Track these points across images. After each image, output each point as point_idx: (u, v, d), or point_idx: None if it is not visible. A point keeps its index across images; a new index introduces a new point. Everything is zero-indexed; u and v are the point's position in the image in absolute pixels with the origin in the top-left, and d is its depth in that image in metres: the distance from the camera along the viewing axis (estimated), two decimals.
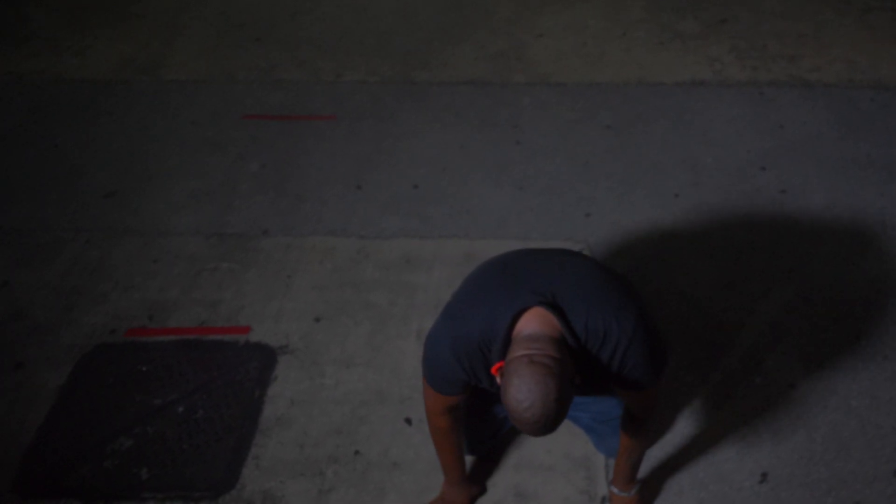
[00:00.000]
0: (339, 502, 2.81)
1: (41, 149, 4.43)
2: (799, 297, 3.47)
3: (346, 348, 3.31)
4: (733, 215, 3.90)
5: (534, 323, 2.04)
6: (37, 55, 5.22)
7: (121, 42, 5.34)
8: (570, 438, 2.93)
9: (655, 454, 2.90)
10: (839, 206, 3.93)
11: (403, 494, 2.82)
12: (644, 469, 2.85)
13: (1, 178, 4.23)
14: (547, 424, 1.92)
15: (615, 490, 2.65)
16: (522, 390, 1.90)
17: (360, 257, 3.72)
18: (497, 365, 2.04)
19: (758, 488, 2.80)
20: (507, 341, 2.06)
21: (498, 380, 2.02)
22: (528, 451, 2.92)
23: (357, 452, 2.95)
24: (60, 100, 4.81)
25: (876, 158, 4.22)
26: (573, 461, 2.89)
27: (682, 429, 2.99)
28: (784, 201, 3.97)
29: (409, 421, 3.05)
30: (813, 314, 3.39)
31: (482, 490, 2.83)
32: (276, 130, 4.53)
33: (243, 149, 4.40)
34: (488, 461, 2.90)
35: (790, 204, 3.96)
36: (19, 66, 5.12)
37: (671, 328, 3.31)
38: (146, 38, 5.37)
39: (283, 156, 4.34)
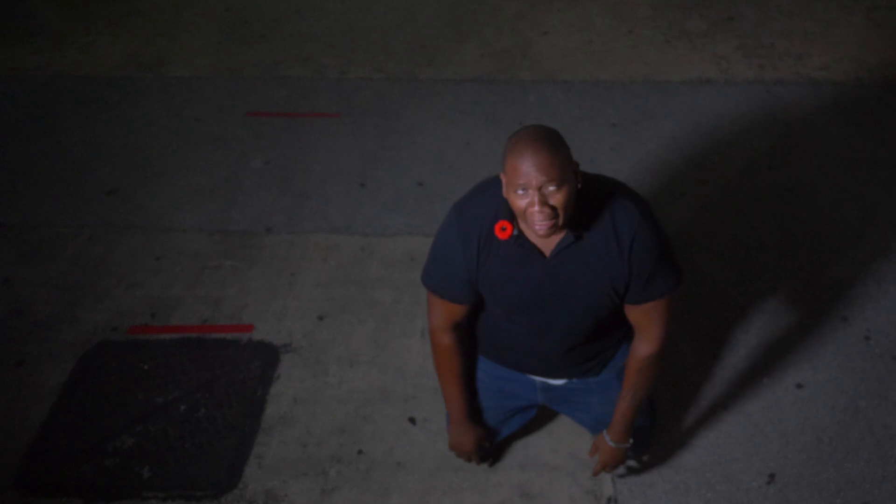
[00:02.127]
0: (342, 502, 2.79)
1: (44, 144, 4.41)
2: (807, 296, 3.44)
3: (349, 346, 3.29)
4: (740, 213, 3.87)
5: None
6: (41, 51, 5.20)
7: (125, 38, 5.32)
8: (575, 438, 2.91)
9: (661, 454, 2.88)
10: (846, 205, 3.90)
11: (407, 494, 2.80)
12: (650, 467, 2.83)
13: (4, 173, 4.21)
14: (542, 138, 1.94)
15: (609, 439, 2.45)
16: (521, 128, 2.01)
17: (365, 255, 3.70)
18: (502, 222, 2.05)
19: (765, 489, 2.78)
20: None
21: (501, 231, 2.04)
22: (534, 451, 2.90)
23: (360, 452, 2.93)
24: (64, 96, 4.79)
25: (883, 157, 4.19)
26: (579, 461, 2.87)
27: (688, 428, 2.97)
28: (791, 200, 3.94)
29: (413, 420, 3.02)
30: (821, 313, 3.37)
31: (491, 438, 2.72)
32: (281, 127, 4.50)
33: (247, 146, 4.38)
34: (494, 460, 2.89)
35: (797, 202, 3.93)
36: (23, 61, 5.10)
37: (679, 327, 3.28)
38: (150, 35, 5.35)
39: (287, 153, 4.32)
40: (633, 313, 2.23)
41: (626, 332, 2.42)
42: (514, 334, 2.33)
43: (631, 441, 2.47)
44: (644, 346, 2.28)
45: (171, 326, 3.38)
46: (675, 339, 3.21)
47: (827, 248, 3.67)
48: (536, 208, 1.94)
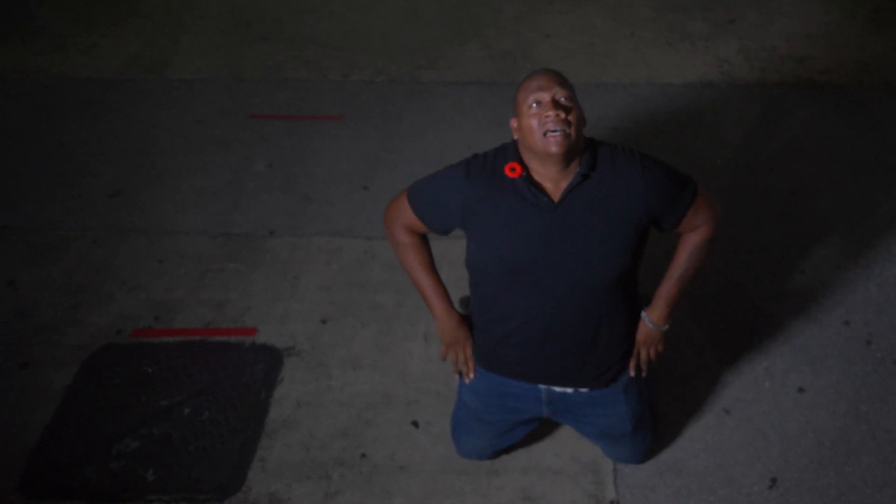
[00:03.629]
0: None
1: (47, 147, 4.42)
2: (808, 300, 3.45)
3: (352, 350, 3.30)
4: (742, 217, 3.87)
5: None
6: (43, 53, 5.20)
7: (127, 40, 5.33)
8: (577, 442, 2.91)
9: (664, 458, 2.89)
10: (848, 209, 3.90)
11: (410, 498, 2.81)
12: (653, 472, 2.84)
13: (7, 176, 4.22)
14: (552, 69, 2.16)
15: (647, 320, 2.43)
16: None
17: (367, 258, 3.71)
18: (512, 163, 2.14)
19: (767, 493, 2.78)
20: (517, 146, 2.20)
21: (511, 171, 2.14)
22: (536, 455, 2.91)
23: (363, 455, 2.94)
24: (67, 98, 4.79)
25: (885, 160, 4.19)
26: (581, 465, 2.88)
27: (690, 432, 2.98)
28: (793, 203, 3.95)
29: (415, 424, 3.03)
30: (822, 317, 3.37)
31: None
32: (283, 130, 4.51)
33: (249, 148, 4.39)
34: (497, 463, 2.89)
35: (799, 205, 3.93)
36: (26, 63, 5.11)
37: (680, 331, 3.28)
38: (152, 36, 5.36)
39: (290, 155, 4.33)
40: (682, 227, 2.30)
41: (630, 346, 2.43)
42: (521, 318, 2.30)
43: (666, 327, 2.44)
44: (697, 235, 2.33)
45: (175, 329, 3.39)
46: (675, 343, 3.22)
47: (828, 251, 3.68)
48: (551, 112, 2.04)
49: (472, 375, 2.52)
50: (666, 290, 2.40)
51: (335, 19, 5.53)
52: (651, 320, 2.42)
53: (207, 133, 4.51)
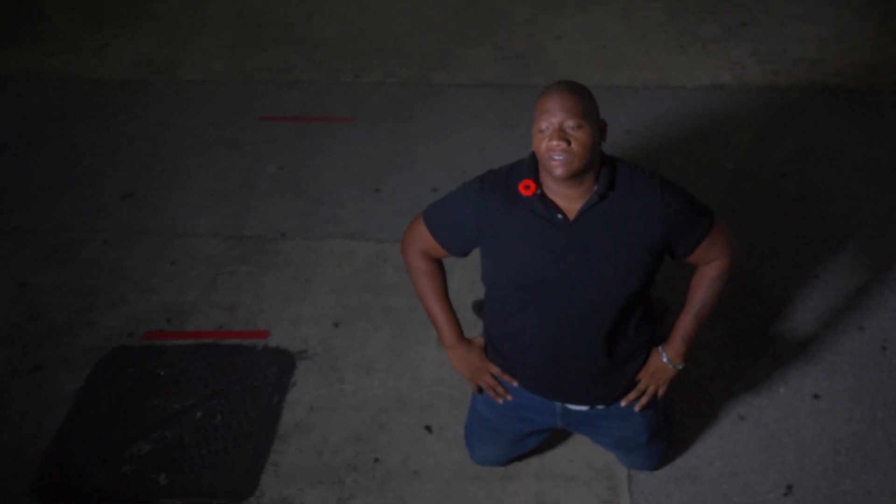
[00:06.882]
0: None
1: (59, 148, 4.42)
2: (823, 306, 3.43)
3: (365, 354, 3.29)
4: (754, 221, 3.86)
5: None
6: (54, 54, 5.21)
7: (138, 41, 5.33)
8: (591, 448, 2.90)
9: (679, 465, 2.87)
10: (861, 213, 3.88)
11: (423, 503, 2.80)
12: (668, 479, 2.83)
13: (18, 177, 4.22)
14: (569, 85, 2.11)
15: (664, 355, 2.38)
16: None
17: (379, 261, 3.70)
18: (526, 180, 2.12)
19: (783, 501, 2.77)
20: (536, 160, 2.16)
21: (525, 189, 2.11)
22: (550, 461, 2.89)
23: (377, 460, 2.93)
24: (78, 99, 4.80)
25: None
26: (595, 471, 2.86)
27: (705, 439, 2.96)
28: (805, 207, 3.93)
29: (429, 429, 3.02)
30: (837, 323, 3.36)
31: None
32: (294, 132, 4.51)
33: (260, 150, 4.38)
34: (511, 469, 2.88)
35: (811, 210, 3.92)
36: (37, 64, 5.12)
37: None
38: (163, 38, 5.36)
39: (301, 157, 4.32)
40: (695, 258, 2.29)
41: (645, 362, 2.41)
42: (534, 334, 2.28)
43: (682, 366, 2.40)
44: (712, 269, 2.32)
45: (187, 332, 3.38)
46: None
47: (842, 256, 3.66)
48: (554, 142, 2.03)
49: (509, 397, 2.47)
50: (683, 327, 2.37)
51: (345, 21, 5.53)
52: (668, 356, 2.39)
53: (218, 135, 4.51)
